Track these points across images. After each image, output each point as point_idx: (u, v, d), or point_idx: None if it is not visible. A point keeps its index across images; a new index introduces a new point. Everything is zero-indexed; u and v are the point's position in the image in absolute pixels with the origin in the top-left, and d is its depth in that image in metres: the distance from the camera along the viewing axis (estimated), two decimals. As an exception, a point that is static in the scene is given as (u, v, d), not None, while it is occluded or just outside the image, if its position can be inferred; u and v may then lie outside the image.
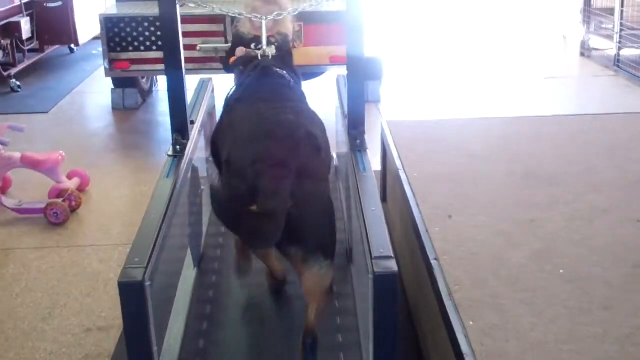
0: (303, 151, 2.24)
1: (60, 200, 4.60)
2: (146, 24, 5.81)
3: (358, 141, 2.61)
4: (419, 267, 2.88)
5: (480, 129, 4.19)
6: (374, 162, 3.26)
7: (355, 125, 2.64)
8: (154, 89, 7.57)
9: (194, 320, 2.57)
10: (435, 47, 9.39)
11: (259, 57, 2.74)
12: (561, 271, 2.58)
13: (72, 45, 9.27)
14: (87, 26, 8.50)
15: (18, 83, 7.75)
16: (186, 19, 5.52)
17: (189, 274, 2.81)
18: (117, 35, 5.87)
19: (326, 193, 2.36)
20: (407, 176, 3.45)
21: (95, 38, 8.66)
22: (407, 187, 3.33)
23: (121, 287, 1.87)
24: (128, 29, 5.85)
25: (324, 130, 2.50)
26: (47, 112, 7.09)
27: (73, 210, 4.68)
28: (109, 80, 6.99)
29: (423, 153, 3.75)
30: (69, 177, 4.95)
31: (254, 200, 2.09)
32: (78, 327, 3.47)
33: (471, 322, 2.29)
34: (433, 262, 2.67)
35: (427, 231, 2.90)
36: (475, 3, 11.35)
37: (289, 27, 3.23)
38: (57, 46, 8.96)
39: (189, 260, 2.85)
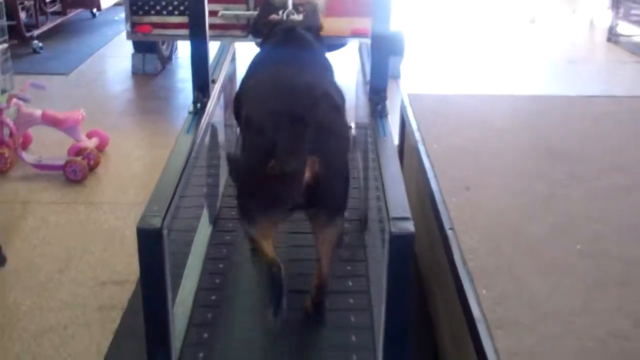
0: (321, 108, 2.26)
1: (79, 158, 4.63)
2: (169, -14, 5.81)
3: (379, 106, 2.61)
4: (433, 237, 2.88)
5: (502, 105, 4.17)
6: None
7: (377, 91, 2.64)
8: (173, 56, 7.57)
9: (208, 276, 2.59)
10: (458, 26, 9.32)
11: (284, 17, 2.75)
12: (578, 246, 2.58)
13: (94, 10, 9.27)
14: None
15: (40, 44, 7.77)
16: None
17: (204, 230, 2.83)
18: (139, -1, 5.87)
19: (343, 151, 2.38)
20: (425, 148, 3.44)
21: (118, 4, 8.69)
22: (425, 159, 3.32)
23: (139, 233, 1.89)
24: (151, -8, 5.84)
25: (342, 97, 2.51)
26: (67, 74, 7.11)
27: (91, 168, 4.71)
28: (130, 45, 7.02)
29: (443, 126, 3.73)
30: (89, 136, 4.98)
31: (272, 156, 2.08)
32: (93, 280, 3.51)
33: (484, 291, 2.30)
34: (448, 231, 2.67)
35: (443, 201, 2.90)
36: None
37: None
38: (79, 10, 8.96)
39: (205, 217, 2.86)
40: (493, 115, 3.93)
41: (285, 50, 2.71)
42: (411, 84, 6.77)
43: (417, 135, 3.61)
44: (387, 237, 1.86)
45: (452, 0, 10.54)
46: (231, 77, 3.89)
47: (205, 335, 2.29)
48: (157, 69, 7.04)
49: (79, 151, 4.70)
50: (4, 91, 4.77)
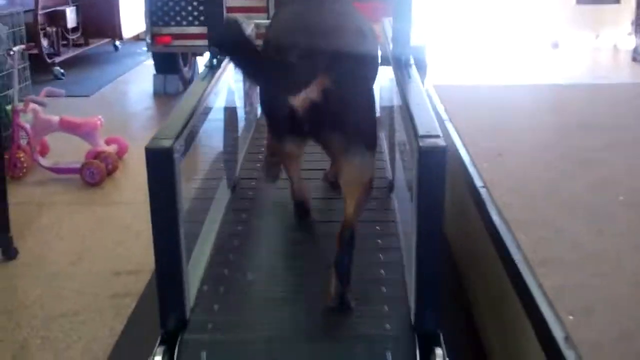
0: (339, 33, 2.12)
1: (97, 160, 4.52)
2: (188, -1, 5.78)
3: (403, 57, 2.49)
4: (462, 197, 2.71)
5: (530, 92, 4.06)
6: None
7: (401, 45, 2.52)
8: (195, 77, 7.53)
9: (225, 237, 2.45)
10: (481, 50, 9.24)
11: None
12: (621, 198, 2.41)
13: (116, 42, 9.31)
14: (132, 21, 8.55)
15: (62, 71, 7.77)
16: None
17: (222, 194, 2.69)
18: (159, 9, 5.84)
19: (368, 82, 2.21)
20: (453, 125, 3.30)
21: (140, 39, 8.73)
22: (454, 134, 3.18)
23: (148, 154, 1.76)
24: (170, 3, 5.81)
25: (371, 30, 2.35)
26: (89, 96, 7.08)
27: (109, 173, 4.60)
28: (152, 70, 7.01)
29: (471, 110, 3.59)
30: (107, 143, 4.88)
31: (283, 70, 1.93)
32: (107, 270, 3.36)
33: (523, 236, 2.12)
34: (481, 189, 2.51)
35: (475, 166, 2.74)
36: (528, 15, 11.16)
37: None
38: (101, 41, 8.99)
39: (223, 182, 2.74)
40: (522, 101, 3.80)
41: None
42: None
43: (444, 116, 3.46)
44: (416, 156, 1.71)
45: (475, 26, 10.50)
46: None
47: (222, 288, 2.14)
48: (179, 89, 6.98)
49: (97, 155, 4.60)
50: (20, 100, 4.70)
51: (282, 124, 2.13)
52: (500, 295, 2.14)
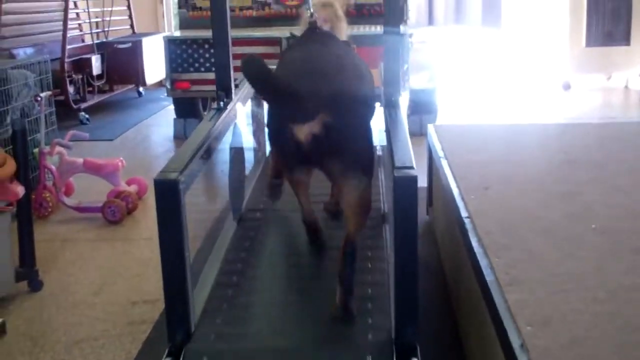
0: (338, 74, 2.40)
1: (117, 199, 4.78)
2: (206, 46, 6.09)
3: (393, 99, 2.73)
4: (452, 226, 2.92)
5: (524, 131, 4.27)
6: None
7: (390, 84, 2.76)
8: (214, 121, 7.80)
9: (229, 264, 2.68)
10: (492, 92, 9.47)
11: (308, 22, 2.91)
12: (593, 226, 2.60)
13: (140, 88, 9.64)
14: (155, 68, 8.89)
15: (87, 116, 8.09)
16: (243, 41, 5.83)
17: (229, 226, 2.93)
18: (178, 57, 6.16)
19: (364, 117, 2.47)
20: (448, 162, 3.52)
21: (162, 85, 9.06)
22: (447, 170, 3.40)
23: (157, 185, 1.99)
24: (189, 51, 6.14)
25: (368, 72, 2.63)
26: (112, 140, 7.38)
27: (129, 211, 4.86)
28: (173, 114, 7.31)
29: (466, 147, 3.81)
30: (128, 183, 5.15)
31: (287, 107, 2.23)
32: (125, 300, 3.59)
33: (497, 259, 2.33)
34: (465, 219, 2.72)
35: (462, 198, 2.96)
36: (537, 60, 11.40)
37: (343, 30, 3.42)
38: (126, 88, 9.33)
39: (229, 214, 2.98)
40: (516, 138, 4.01)
41: (311, 40, 2.84)
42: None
43: (440, 154, 3.69)
44: (392, 185, 1.94)
45: (488, 69, 10.74)
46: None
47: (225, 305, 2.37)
48: (198, 133, 7.24)
49: (118, 194, 4.86)
50: (47, 143, 4.99)
51: (289, 155, 2.40)
52: (476, 310, 2.35)
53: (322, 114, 2.19)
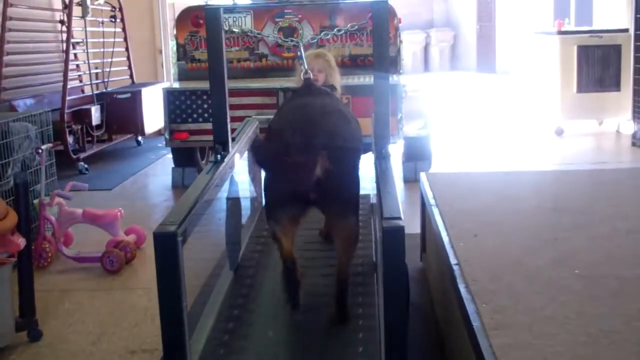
0: (331, 119, 2.63)
1: (116, 249, 4.86)
2: (205, 97, 6.23)
3: (383, 150, 2.84)
4: (443, 273, 3.01)
5: (514, 179, 4.36)
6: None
7: (380, 135, 2.87)
8: (212, 170, 7.91)
9: (226, 310, 2.76)
10: (483, 137, 9.60)
11: (302, 78, 3.10)
12: (576, 271, 2.69)
13: (139, 137, 9.77)
14: (154, 117, 9.02)
15: (86, 166, 8.19)
16: (241, 92, 5.98)
17: (224, 274, 3.01)
18: (177, 108, 6.30)
19: (352, 156, 2.80)
20: (439, 210, 3.61)
21: (161, 134, 9.19)
22: (437, 218, 3.49)
23: (156, 238, 2.08)
24: (188, 102, 6.28)
25: (354, 119, 2.88)
26: (111, 189, 7.48)
27: (128, 261, 4.93)
28: (171, 163, 7.42)
29: (457, 195, 3.91)
30: (127, 233, 5.23)
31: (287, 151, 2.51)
32: (124, 349, 3.65)
33: (484, 305, 2.41)
34: (454, 266, 2.81)
35: (452, 246, 3.05)
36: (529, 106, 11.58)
37: (337, 79, 3.60)
38: (125, 137, 9.46)
39: (226, 263, 3.06)
40: (504, 186, 4.11)
41: (306, 95, 3.04)
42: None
43: (432, 201, 3.79)
44: (380, 234, 2.03)
45: (481, 115, 10.90)
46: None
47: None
48: (196, 181, 7.34)
49: (116, 244, 4.94)
50: (47, 194, 5.09)
51: (289, 197, 2.69)
52: (464, 354, 2.43)
53: (321, 159, 2.37)
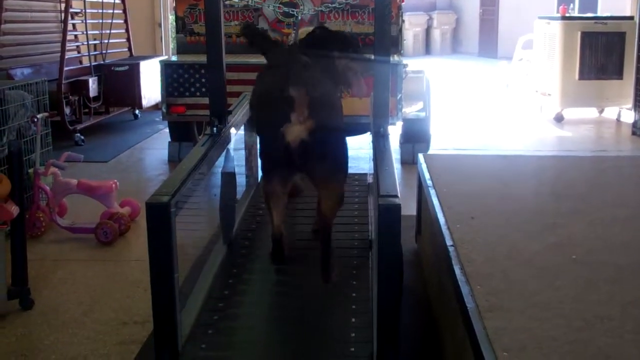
0: (314, 83, 2.73)
1: (110, 221, 4.83)
2: (203, 71, 6.18)
3: (382, 129, 2.81)
4: (438, 254, 2.99)
5: (511, 162, 4.33)
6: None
7: (379, 114, 2.84)
8: (208, 145, 7.86)
9: (218, 288, 2.73)
10: (481, 123, 9.57)
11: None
12: (574, 257, 2.67)
13: (136, 111, 9.72)
14: (152, 91, 8.97)
15: (82, 137, 8.14)
16: (239, 67, 5.91)
17: (219, 250, 2.99)
18: (175, 81, 6.24)
19: (335, 117, 2.83)
20: (436, 191, 3.58)
21: (159, 108, 9.14)
22: (434, 199, 3.46)
23: (148, 208, 2.06)
24: (185, 75, 6.22)
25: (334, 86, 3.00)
26: (106, 162, 7.44)
27: (122, 233, 4.90)
28: (168, 137, 7.38)
29: (454, 177, 3.88)
30: (121, 205, 5.20)
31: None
32: (115, 320, 3.64)
33: (479, 287, 2.39)
34: (450, 248, 2.79)
35: (448, 228, 3.02)
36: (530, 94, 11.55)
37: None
38: (122, 110, 9.40)
39: (220, 238, 3.04)
40: (502, 169, 4.08)
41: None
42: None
43: (429, 183, 3.76)
44: (376, 212, 2.00)
45: (481, 100, 10.86)
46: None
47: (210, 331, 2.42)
48: (192, 156, 7.30)
49: (111, 216, 4.91)
50: (42, 164, 5.05)
51: (277, 160, 2.73)
52: (457, 335, 2.41)
53: (307, 119, 2.56)
